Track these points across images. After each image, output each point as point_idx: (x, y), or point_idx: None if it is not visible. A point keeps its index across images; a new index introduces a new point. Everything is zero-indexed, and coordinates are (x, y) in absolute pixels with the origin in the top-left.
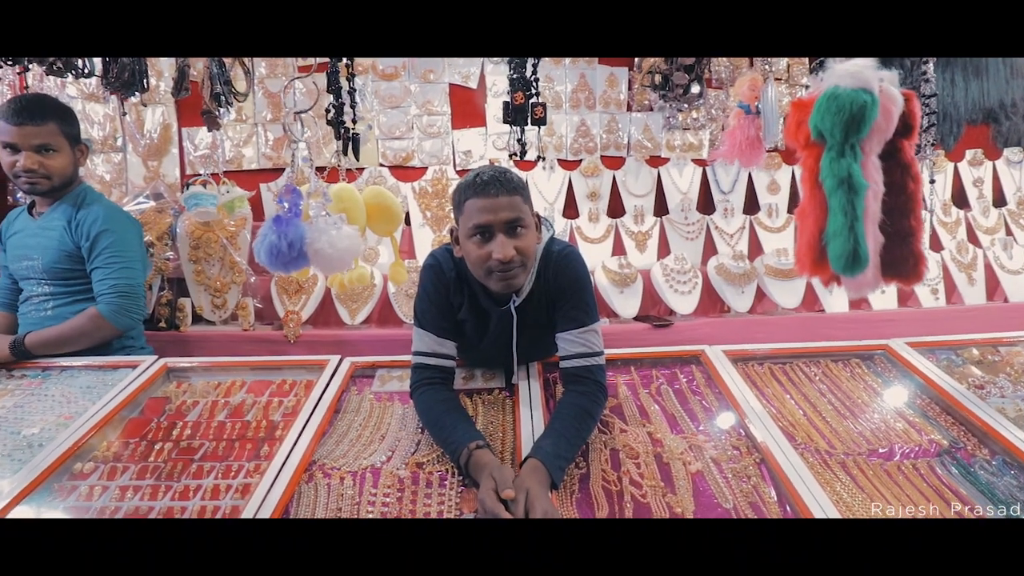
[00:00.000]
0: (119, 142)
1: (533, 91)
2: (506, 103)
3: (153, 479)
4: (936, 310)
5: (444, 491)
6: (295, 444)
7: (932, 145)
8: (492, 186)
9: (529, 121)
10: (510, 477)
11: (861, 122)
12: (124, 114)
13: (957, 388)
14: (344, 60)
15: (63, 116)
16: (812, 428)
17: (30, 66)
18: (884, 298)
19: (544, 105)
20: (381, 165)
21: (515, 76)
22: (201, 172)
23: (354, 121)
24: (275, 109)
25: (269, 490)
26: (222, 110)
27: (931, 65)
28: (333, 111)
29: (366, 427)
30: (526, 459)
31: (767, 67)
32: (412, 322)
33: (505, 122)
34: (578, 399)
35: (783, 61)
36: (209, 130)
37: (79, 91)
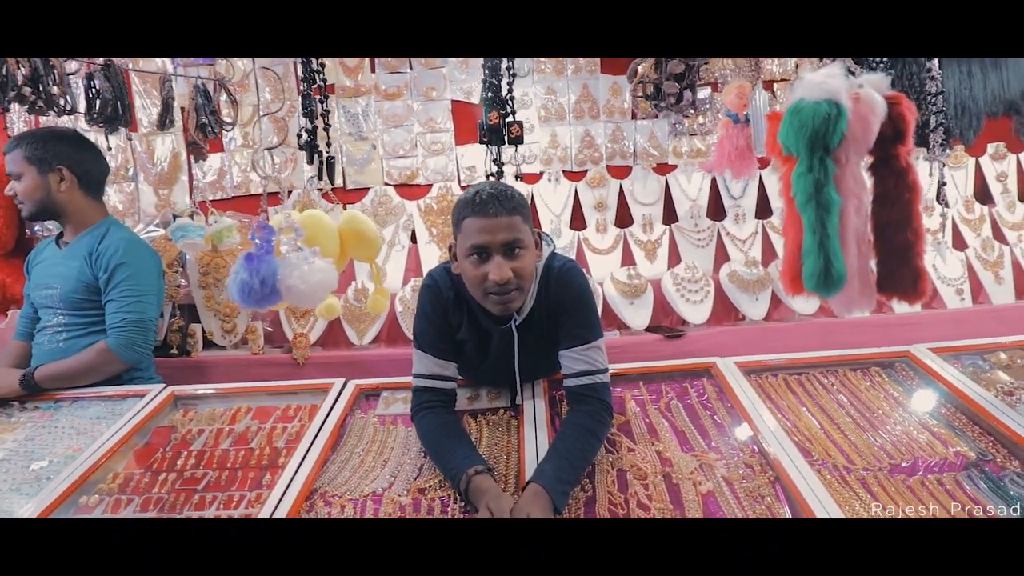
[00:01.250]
0: (130, 172)
1: (509, 109)
2: (481, 123)
3: (156, 511)
4: (962, 311)
5: (446, 518)
6: (296, 472)
7: (941, 145)
8: (491, 205)
9: (506, 140)
10: (507, 507)
11: (826, 135)
12: (109, 149)
13: (984, 396)
14: (316, 83)
15: (31, 142)
16: (829, 442)
17: (10, 105)
18: None
19: (520, 123)
20: (386, 184)
21: (489, 95)
22: (210, 197)
23: (328, 144)
24: (280, 134)
25: None
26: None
27: (936, 63)
28: (305, 135)
29: (369, 452)
30: (527, 484)
31: (754, 72)
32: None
33: (481, 142)
34: (582, 419)
35: (790, 62)
36: (196, 160)
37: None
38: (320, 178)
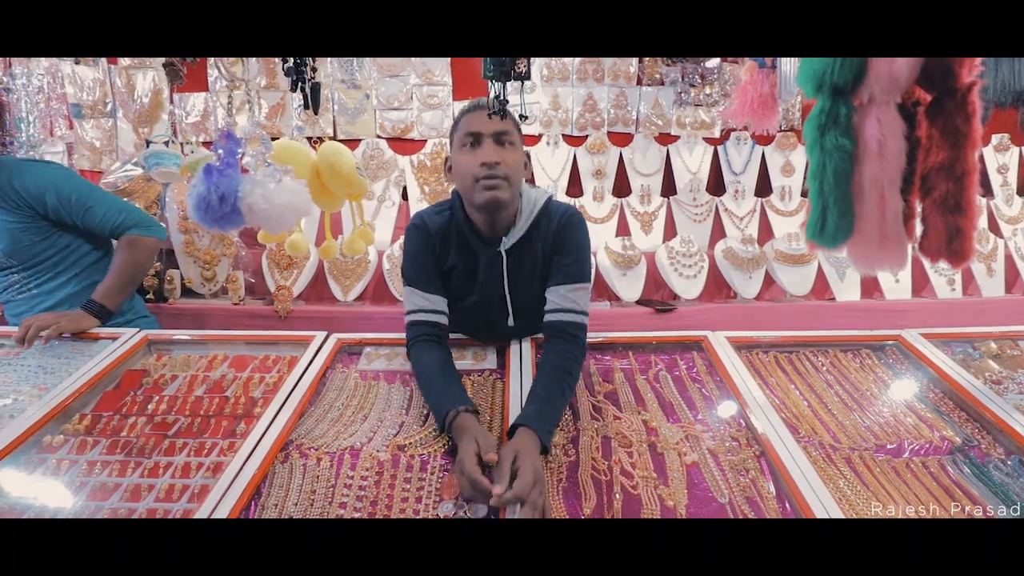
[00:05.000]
0: (108, 107)
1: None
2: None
3: (123, 454)
4: (952, 301)
5: (425, 475)
6: (272, 422)
7: None
8: (487, 107)
9: (512, 75)
10: (494, 443)
11: (830, 73)
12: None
13: (972, 383)
14: None
15: None
16: (816, 420)
17: None
18: (898, 288)
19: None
20: (378, 136)
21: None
22: (192, 139)
23: (314, 70)
24: (270, 75)
25: (241, 469)
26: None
27: None
28: (292, 59)
29: (348, 406)
30: (514, 426)
31: None
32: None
33: (485, 77)
34: (557, 359)
35: None
36: (171, 83)
37: None
38: (306, 107)
